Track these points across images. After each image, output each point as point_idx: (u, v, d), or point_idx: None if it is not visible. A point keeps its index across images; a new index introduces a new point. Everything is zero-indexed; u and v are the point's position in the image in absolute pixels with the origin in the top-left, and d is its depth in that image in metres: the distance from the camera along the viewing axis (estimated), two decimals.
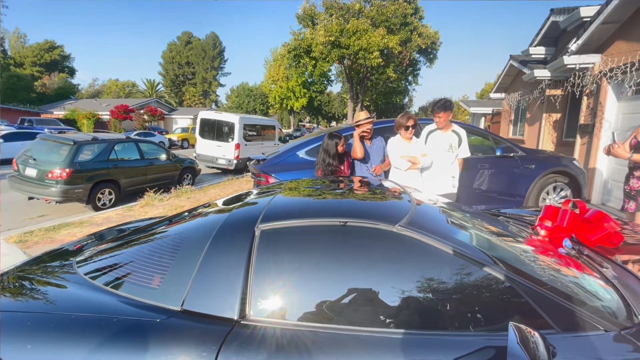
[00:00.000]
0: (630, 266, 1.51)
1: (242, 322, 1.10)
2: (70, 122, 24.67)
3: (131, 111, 26.11)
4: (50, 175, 5.77)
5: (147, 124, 27.04)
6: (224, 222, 1.35)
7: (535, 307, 1.07)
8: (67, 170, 5.81)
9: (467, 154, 3.42)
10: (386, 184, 2.16)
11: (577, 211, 1.85)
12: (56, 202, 5.92)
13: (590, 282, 1.29)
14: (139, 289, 1.24)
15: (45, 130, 14.25)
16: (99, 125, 26.23)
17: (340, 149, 3.09)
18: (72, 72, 45.25)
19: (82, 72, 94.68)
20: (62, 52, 44.29)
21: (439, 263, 1.18)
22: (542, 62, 8.53)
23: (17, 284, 1.44)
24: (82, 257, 1.61)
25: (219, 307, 1.13)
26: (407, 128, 3.18)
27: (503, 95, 11.62)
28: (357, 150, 3.25)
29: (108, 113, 26.78)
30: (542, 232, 1.83)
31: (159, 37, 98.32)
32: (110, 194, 6.42)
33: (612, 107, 5.80)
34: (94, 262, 1.52)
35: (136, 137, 9.51)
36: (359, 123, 3.34)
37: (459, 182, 3.37)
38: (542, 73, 7.53)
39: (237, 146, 10.72)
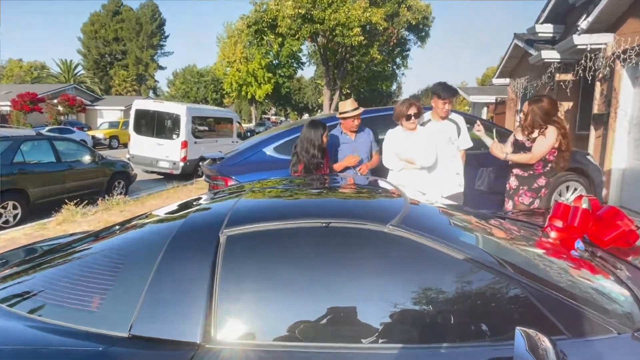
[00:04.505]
0: None
1: (206, 346, 1.13)
2: None
3: (40, 100, 24.94)
4: None
5: (62, 117, 25.94)
6: (180, 229, 1.38)
7: (545, 312, 1.17)
8: None
9: (469, 144, 3.61)
10: (376, 181, 2.26)
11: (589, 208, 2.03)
12: None
13: (603, 284, 1.44)
14: (73, 314, 1.24)
15: None
16: None
17: (324, 139, 3.19)
18: None
19: None
20: None
21: (437, 266, 1.26)
22: (550, 42, 9.12)
23: None
24: None
25: (177, 329, 1.16)
26: (408, 117, 3.21)
27: (507, 80, 12.25)
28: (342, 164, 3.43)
29: (8, 103, 25.43)
30: (553, 234, 2.00)
31: (77, 5, 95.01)
32: (15, 208, 6.13)
33: (627, 94, 6.32)
34: (8, 286, 1.50)
35: (50, 134, 9.18)
36: (345, 114, 3.44)
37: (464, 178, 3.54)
38: (550, 54, 8.05)
39: (184, 144, 10.56)
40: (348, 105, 3.46)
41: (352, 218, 1.35)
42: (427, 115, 3.54)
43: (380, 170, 3.52)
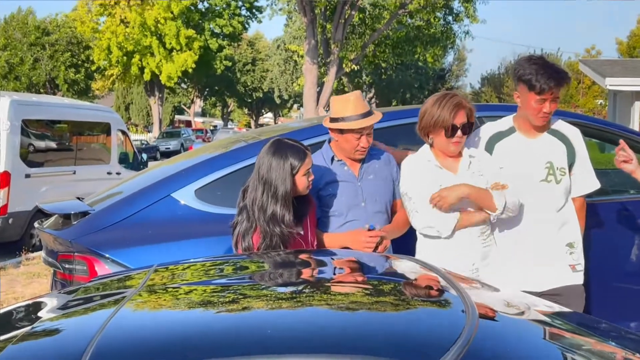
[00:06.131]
0: None
1: None
2: None
3: None
4: None
5: None
6: None
7: None
8: None
9: (594, 184, 2.23)
10: (404, 265, 1.67)
11: None
12: None
13: None
14: None
15: None
16: None
17: (300, 181, 1.92)
18: None
19: None
20: None
21: None
22: None
23: None
24: None
25: None
26: (452, 130, 1.94)
27: None
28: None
29: None
30: None
31: None
32: None
33: None
34: None
35: None
36: (341, 123, 2.04)
37: (584, 256, 2.15)
38: None
39: (4, 180, 6.22)
40: (350, 106, 2.04)
41: (358, 357, 0.91)
42: (506, 121, 2.28)
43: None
